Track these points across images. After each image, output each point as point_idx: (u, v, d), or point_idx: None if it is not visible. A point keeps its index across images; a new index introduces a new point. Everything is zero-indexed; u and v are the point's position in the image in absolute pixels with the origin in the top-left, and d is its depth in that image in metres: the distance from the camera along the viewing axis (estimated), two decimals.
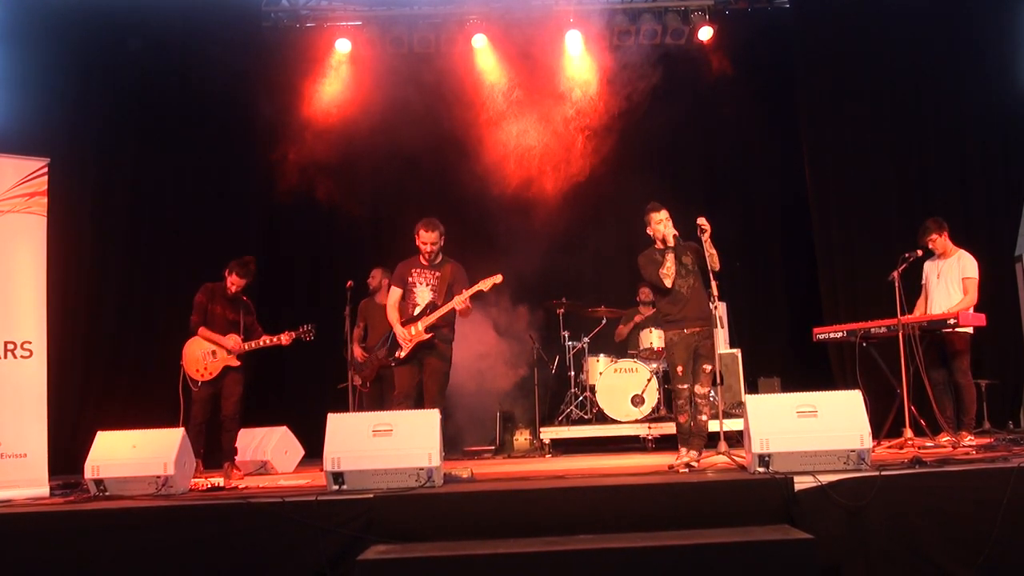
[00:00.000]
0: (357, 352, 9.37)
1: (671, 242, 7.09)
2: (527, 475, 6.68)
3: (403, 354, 7.46)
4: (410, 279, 7.60)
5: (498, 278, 7.67)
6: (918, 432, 7.65)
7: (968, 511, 5.01)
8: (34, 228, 6.95)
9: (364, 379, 9.14)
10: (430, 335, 7.46)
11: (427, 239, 7.56)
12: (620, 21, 11.84)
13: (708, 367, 6.98)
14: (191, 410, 8.18)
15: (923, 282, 8.40)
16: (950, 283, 8.11)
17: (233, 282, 8.40)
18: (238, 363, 8.31)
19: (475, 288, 7.57)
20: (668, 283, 7.10)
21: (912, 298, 8.35)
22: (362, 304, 9.48)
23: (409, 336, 7.42)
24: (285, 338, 8.43)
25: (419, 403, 7.40)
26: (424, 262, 7.63)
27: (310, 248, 12.06)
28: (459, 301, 7.44)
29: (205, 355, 8.24)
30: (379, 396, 9.24)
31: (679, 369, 6.96)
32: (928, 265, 8.34)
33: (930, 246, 8.15)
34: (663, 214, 7.22)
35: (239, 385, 8.34)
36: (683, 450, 6.92)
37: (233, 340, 8.27)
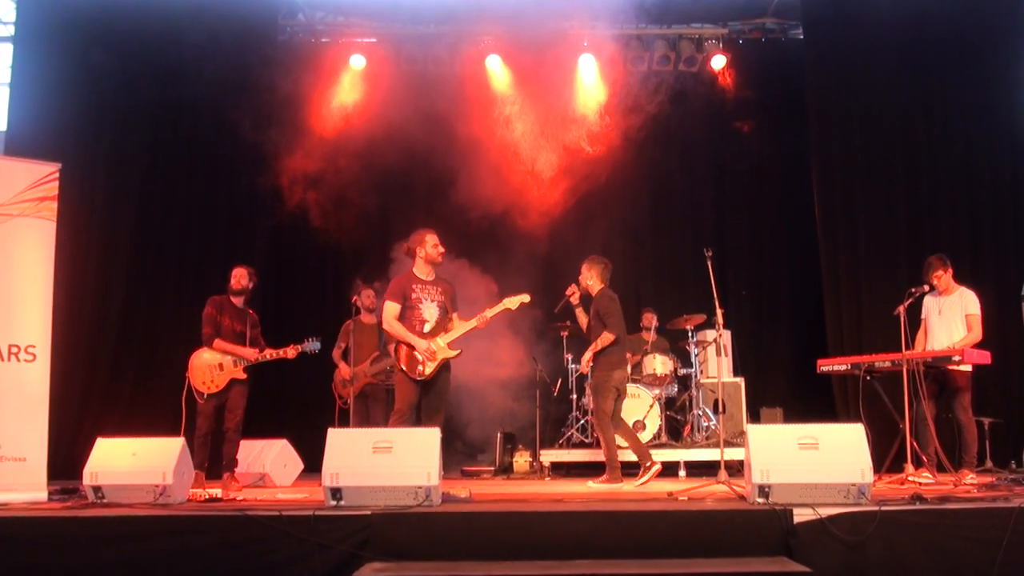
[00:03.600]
0: (343, 369, 9.38)
1: (575, 301, 8.36)
2: (526, 497, 6.66)
3: (429, 371, 7.22)
4: (413, 295, 7.37)
5: (526, 298, 7.62)
6: (919, 465, 7.64)
7: (968, 550, 4.97)
8: (43, 232, 6.98)
9: (346, 396, 9.13)
10: (457, 352, 7.37)
11: (438, 243, 7.49)
12: (633, 47, 11.94)
13: (591, 404, 8.30)
14: (196, 422, 8.17)
15: (923, 316, 8.40)
16: (952, 320, 8.12)
17: (240, 276, 8.39)
18: (244, 375, 8.31)
19: (501, 306, 7.51)
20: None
21: (914, 332, 8.34)
22: (346, 324, 9.46)
23: (431, 351, 7.24)
24: (291, 351, 8.43)
25: (416, 420, 7.27)
26: (423, 276, 7.47)
27: (316, 262, 12.09)
28: (483, 319, 7.39)
29: (212, 368, 8.24)
30: (364, 412, 9.26)
31: None
32: (929, 300, 8.34)
33: (934, 282, 8.16)
34: (583, 269, 8.34)
35: (243, 398, 8.34)
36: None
37: (249, 350, 8.29)
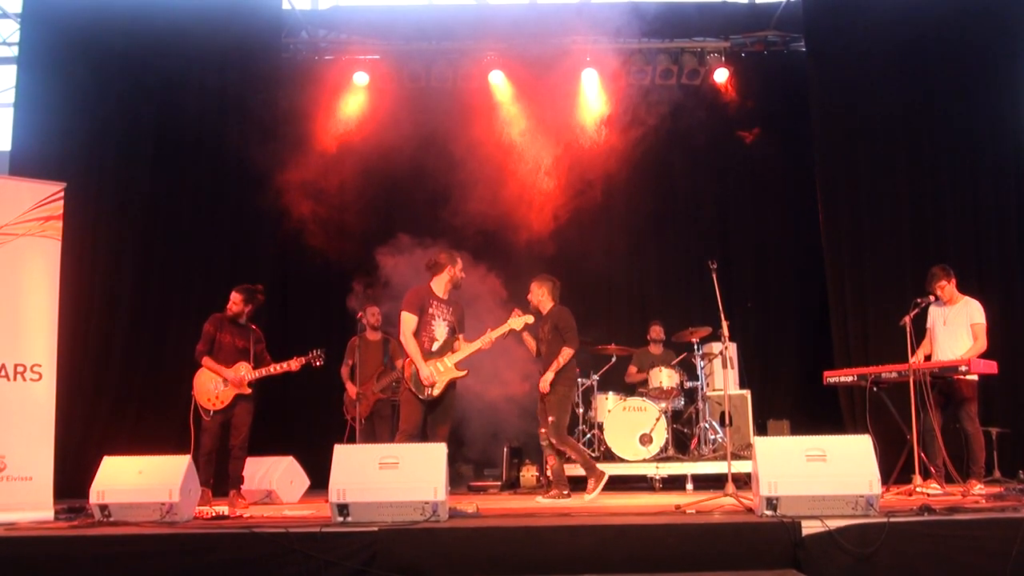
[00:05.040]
0: (350, 389, 9.37)
1: (520, 328, 7.92)
2: (533, 511, 6.65)
3: (437, 392, 7.23)
4: (429, 309, 7.40)
5: (530, 319, 7.71)
6: (926, 475, 7.63)
7: (976, 561, 4.95)
8: (48, 251, 7.00)
9: (355, 416, 9.12)
10: (464, 372, 7.41)
11: (463, 265, 7.62)
12: (636, 61, 11.94)
13: (550, 417, 8.07)
14: (200, 438, 8.18)
15: (928, 326, 8.40)
16: (957, 330, 8.14)
17: (234, 302, 8.40)
18: (249, 391, 8.32)
19: (506, 327, 7.57)
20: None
21: (920, 343, 8.33)
22: (352, 341, 9.48)
23: (438, 373, 7.25)
24: (295, 364, 8.44)
25: (423, 439, 7.27)
26: (440, 294, 7.49)
27: (321, 278, 12.06)
28: (488, 340, 7.44)
29: (216, 384, 8.25)
30: (370, 429, 9.26)
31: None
32: (934, 311, 8.34)
33: (938, 293, 8.17)
34: (531, 287, 8.38)
35: (249, 414, 8.35)
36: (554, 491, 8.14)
37: (244, 368, 8.29)
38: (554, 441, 7.98)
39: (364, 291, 10.46)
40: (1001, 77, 10.95)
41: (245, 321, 8.51)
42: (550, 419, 8.01)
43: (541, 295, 8.29)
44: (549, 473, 8.47)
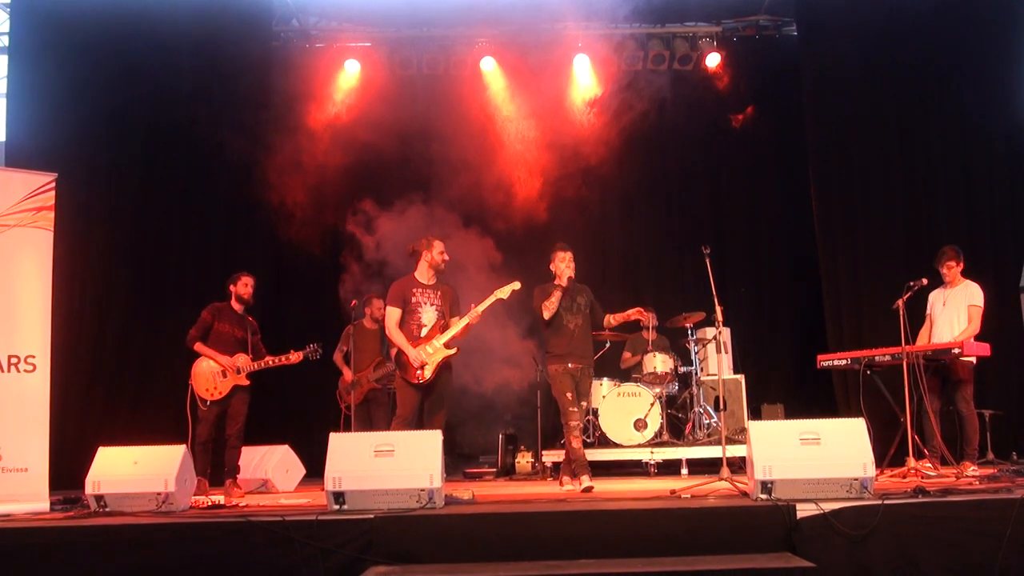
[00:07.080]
0: (346, 373, 9.38)
1: (565, 283, 7.71)
2: (528, 498, 6.65)
3: (428, 373, 7.24)
4: (413, 299, 7.42)
5: (516, 285, 7.62)
6: (920, 457, 7.65)
7: (971, 542, 4.97)
8: (40, 242, 6.98)
9: (349, 402, 9.11)
10: (454, 350, 7.39)
11: (444, 251, 7.56)
12: (628, 46, 11.96)
13: (583, 404, 7.72)
14: (197, 428, 8.16)
15: (928, 311, 8.41)
16: (955, 312, 8.15)
17: (246, 284, 8.41)
18: (247, 382, 8.30)
19: (493, 296, 7.53)
20: (547, 315, 7.66)
21: (916, 327, 8.32)
22: (348, 329, 9.48)
23: (427, 356, 7.25)
24: (294, 357, 8.43)
25: (419, 424, 7.30)
26: (424, 281, 7.52)
27: (315, 267, 12.05)
28: (475, 315, 7.41)
29: (215, 374, 8.22)
30: (367, 418, 9.26)
31: (568, 395, 7.56)
32: (934, 293, 8.36)
33: (944, 272, 8.17)
34: (568, 255, 7.86)
35: (246, 404, 8.34)
36: (569, 478, 7.66)
37: (244, 359, 8.27)
38: (579, 424, 7.69)
39: (359, 280, 10.45)
40: (995, 54, 10.93)
41: (243, 311, 8.50)
42: (583, 404, 7.74)
43: (574, 268, 7.88)
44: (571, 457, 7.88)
